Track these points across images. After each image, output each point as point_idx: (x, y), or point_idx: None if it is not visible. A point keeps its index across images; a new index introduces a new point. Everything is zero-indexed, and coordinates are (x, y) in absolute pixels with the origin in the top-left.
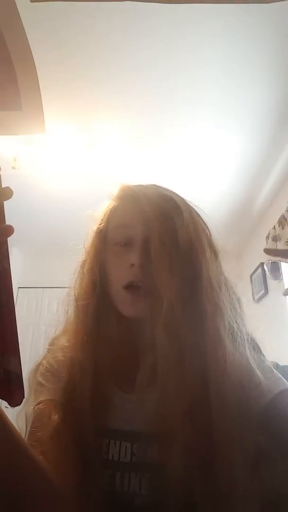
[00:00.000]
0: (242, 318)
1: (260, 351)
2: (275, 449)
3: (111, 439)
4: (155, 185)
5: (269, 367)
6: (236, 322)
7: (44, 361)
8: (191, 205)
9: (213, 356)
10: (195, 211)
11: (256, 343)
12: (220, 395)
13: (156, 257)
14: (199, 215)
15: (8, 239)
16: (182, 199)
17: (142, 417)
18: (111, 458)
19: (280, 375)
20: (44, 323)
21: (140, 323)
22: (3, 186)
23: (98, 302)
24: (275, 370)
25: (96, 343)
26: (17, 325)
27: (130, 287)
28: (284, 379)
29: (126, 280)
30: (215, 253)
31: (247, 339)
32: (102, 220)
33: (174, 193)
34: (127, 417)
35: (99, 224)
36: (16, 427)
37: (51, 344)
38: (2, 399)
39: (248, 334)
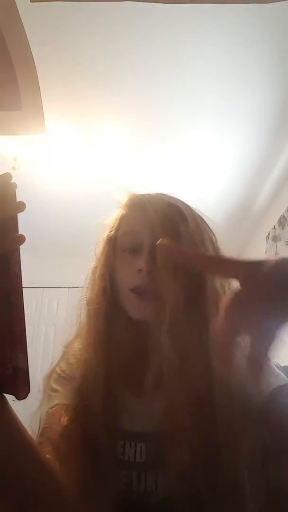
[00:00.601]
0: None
1: None
2: (276, 443)
3: (126, 440)
4: (161, 193)
5: (268, 366)
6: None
7: (57, 368)
8: (196, 212)
9: (217, 357)
10: (200, 217)
11: None
12: (224, 394)
13: (161, 263)
14: (204, 222)
15: None
16: (188, 207)
17: (153, 418)
18: (127, 459)
19: (279, 372)
20: (44, 323)
21: (147, 326)
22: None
23: (109, 306)
24: (275, 368)
25: (107, 346)
26: None
27: (137, 291)
28: (283, 375)
29: (133, 284)
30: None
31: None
32: (112, 227)
33: (180, 201)
34: (138, 419)
35: (109, 232)
36: (29, 429)
37: (65, 348)
38: (10, 393)
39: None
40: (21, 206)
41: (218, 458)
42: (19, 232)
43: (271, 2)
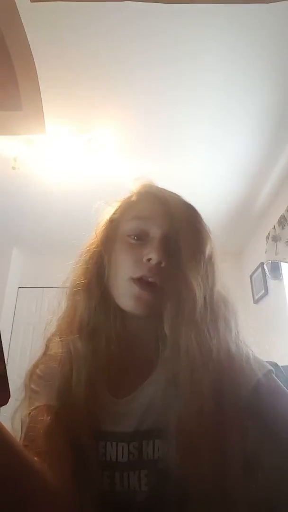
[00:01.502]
0: (236, 321)
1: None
2: (263, 434)
3: (107, 440)
4: (174, 192)
5: (255, 357)
6: (235, 325)
7: (37, 369)
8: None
9: (221, 356)
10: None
11: (245, 341)
12: (227, 393)
13: (186, 261)
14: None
15: (8, 238)
16: (197, 210)
17: (133, 418)
18: (109, 459)
19: (261, 360)
20: (44, 323)
21: (141, 323)
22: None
23: (101, 291)
24: (259, 358)
25: (92, 339)
26: (17, 325)
27: (140, 280)
28: (265, 363)
29: (137, 273)
30: (220, 266)
31: (240, 337)
32: (117, 210)
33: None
34: (118, 419)
35: (113, 214)
36: (11, 430)
37: (46, 348)
38: None
39: (239, 330)
40: None
41: (205, 456)
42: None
43: (271, 2)
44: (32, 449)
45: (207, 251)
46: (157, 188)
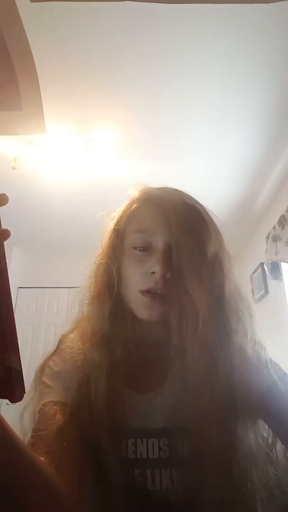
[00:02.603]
0: (252, 320)
1: (265, 349)
2: (277, 435)
3: (137, 437)
4: (176, 190)
5: (271, 359)
6: (250, 326)
7: (50, 362)
8: (211, 214)
9: (238, 360)
10: (213, 217)
11: (261, 342)
12: (242, 393)
13: (185, 270)
14: (214, 221)
15: (8, 239)
16: (205, 211)
17: (161, 414)
18: (140, 457)
19: (277, 363)
20: (44, 323)
21: (153, 325)
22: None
23: (113, 300)
24: (275, 361)
25: (110, 345)
26: (18, 325)
27: (149, 292)
28: (280, 366)
29: (145, 286)
30: (231, 262)
31: (256, 338)
32: (120, 220)
33: (197, 202)
34: (146, 416)
35: (117, 225)
36: (20, 427)
37: (60, 342)
38: (4, 397)
39: (255, 333)
40: (3, 199)
41: (228, 456)
42: (6, 225)
43: (271, 2)
44: (40, 447)
45: (211, 252)
46: (156, 193)
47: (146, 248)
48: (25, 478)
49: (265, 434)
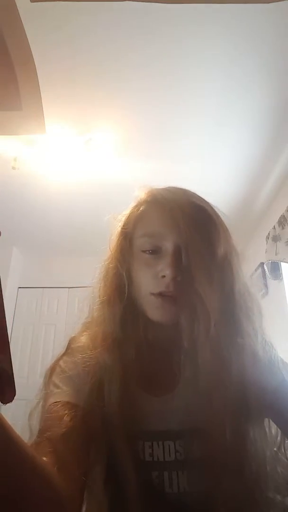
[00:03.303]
0: (261, 319)
1: (273, 347)
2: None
3: (154, 440)
4: (182, 189)
5: (282, 359)
6: (260, 326)
7: (61, 362)
8: (219, 212)
9: (250, 361)
10: (221, 215)
11: (269, 341)
12: (253, 393)
13: (196, 271)
14: (223, 220)
15: (8, 238)
16: (213, 209)
17: (176, 416)
18: (157, 459)
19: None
20: (44, 323)
21: (168, 329)
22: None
23: (124, 302)
24: (285, 362)
25: (122, 347)
26: (17, 325)
27: (160, 295)
28: None
29: (156, 290)
30: (240, 261)
31: (266, 338)
32: (128, 223)
33: (204, 201)
34: (162, 418)
35: (125, 228)
36: (29, 426)
37: (70, 344)
38: None
39: (264, 333)
40: None
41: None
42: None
43: (271, 2)
44: (45, 447)
45: (221, 252)
46: (163, 194)
47: (155, 251)
48: (25, 478)
49: (273, 432)
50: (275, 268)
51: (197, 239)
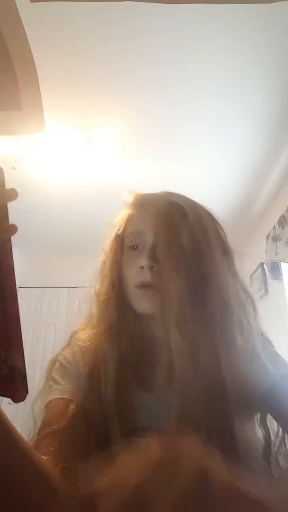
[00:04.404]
0: (254, 315)
1: (271, 343)
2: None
3: (148, 436)
4: (167, 192)
5: (277, 355)
6: (245, 318)
7: (61, 357)
8: (200, 205)
9: (224, 348)
10: (205, 210)
11: (266, 337)
12: (232, 383)
13: (163, 259)
14: (209, 214)
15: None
16: (191, 204)
17: (169, 413)
18: None
19: (286, 362)
20: (44, 323)
21: (154, 321)
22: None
23: (118, 299)
24: (282, 358)
25: (118, 336)
26: None
27: (141, 286)
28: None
29: (137, 281)
30: (226, 253)
31: (257, 333)
32: (120, 226)
33: (185, 197)
34: (155, 415)
35: (117, 230)
36: (32, 420)
37: (70, 338)
38: (5, 396)
39: (259, 329)
40: (12, 194)
41: (231, 445)
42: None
43: (271, 2)
44: (45, 445)
45: (187, 242)
46: (145, 197)
47: (137, 247)
48: (24, 475)
49: (275, 428)
50: (275, 268)
51: (166, 230)
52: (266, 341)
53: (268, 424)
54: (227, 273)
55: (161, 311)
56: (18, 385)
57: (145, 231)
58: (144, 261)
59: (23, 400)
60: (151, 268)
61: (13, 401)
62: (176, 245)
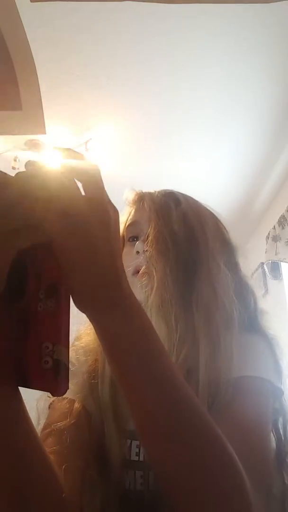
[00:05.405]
0: (245, 304)
1: (271, 345)
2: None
3: (133, 439)
4: (169, 190)
5: (255, 358)
6: (235, 308)
7: None
8: (200, 203)
9: (205, 338)
10: (206, 208)
11: (267, 337)
12: (206, 371)
13: (152, 243)
14: (212, 214)
15: None
16: (189, 197)
17: None
18: (143, 459)
19: (259, 363)
20: None
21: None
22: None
23: None
24: (258, 362)
25: None
26: None
27: (135, 273)
28: (260, 367)
29: (132, 267)
30: (226, 246)
31: (242, 325)
32: (122, 222)
33: (180, 192)
34: None
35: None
36: (36, 411)
37: (75, 340)
38: (46, 389)
39: (256, 327)
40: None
41: None
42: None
43: (271, 2)
44: (47, 446)
45: (178, 227)
46: (144, 193)
47: (135, 238)
48: (32, 458)
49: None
50: (275, 268)
51: (158, 218)
52: (264, 341)
53: None
54: (222, 263)
55: (146, 297)
56: (61, 379)
57: (140, 221)
58: (138, 246)
59: (62, 395)
60: (144, 252)
61: (53, 394)
62: (167, 231)
